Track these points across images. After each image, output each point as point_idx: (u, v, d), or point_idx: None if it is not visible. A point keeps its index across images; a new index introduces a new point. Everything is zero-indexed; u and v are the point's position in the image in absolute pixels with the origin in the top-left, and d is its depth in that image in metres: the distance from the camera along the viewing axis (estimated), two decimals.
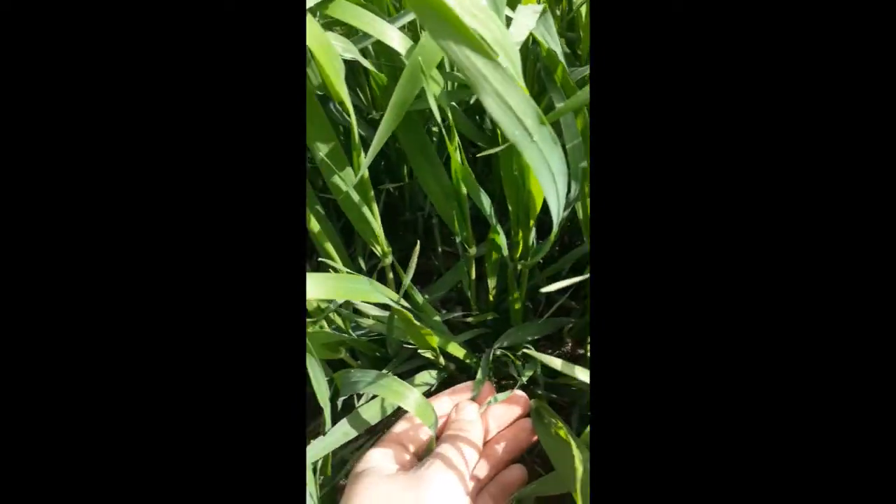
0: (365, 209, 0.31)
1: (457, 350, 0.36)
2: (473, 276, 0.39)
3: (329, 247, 0.34)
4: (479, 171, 0.45)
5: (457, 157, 0.29)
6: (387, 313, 0.35)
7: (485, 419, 0.33)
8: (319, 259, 0.34)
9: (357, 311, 0.36)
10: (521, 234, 0.34)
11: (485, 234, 0.36)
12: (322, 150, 0.29)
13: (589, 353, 0.41)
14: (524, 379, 0.34)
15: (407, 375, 0.37)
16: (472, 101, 0.37)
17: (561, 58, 0.29)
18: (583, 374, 0.27)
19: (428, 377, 0.37)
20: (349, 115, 0.28)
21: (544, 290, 0.26)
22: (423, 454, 0.32)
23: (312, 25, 0.24)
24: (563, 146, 0.29)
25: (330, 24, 0.30)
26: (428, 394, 0.34)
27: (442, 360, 0.37)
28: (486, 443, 0.33)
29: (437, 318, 0.37)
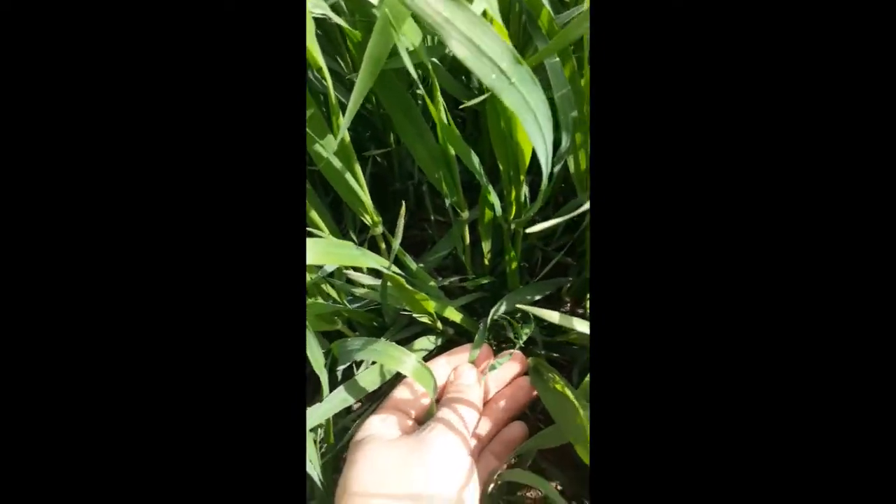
0: (349, 176, 0.31)
1: (454, 314, 0.35)
2: (468, 241, 0.38)
3: (315, 216, 0.33)
4: (469, 135, 0.44)
5: (440, 114, 0.28)
6: (380, 282, 0.34)
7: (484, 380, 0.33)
8: (308, 230, 0.33)
9: (350, 282, 0.35)
10: (513, 194, 0.33)
11: (477, 198, 0.35)
12: None
13: (588, 311, 0.41)
14: (521, 341, 0.34)
15: (406, 343, 0.36)
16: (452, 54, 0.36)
17: (545, 2, 0.27)
18: (581, 326, 0.27)
19: (426, 343, 0.36)
20: (324, 78, 0.27)
21: (530, 230, 0.25)
22: (423, 418, 0.32)
23: None
24: (552, 98, 0.28)
25: None
26: (426, 358, 0.34)
27: (440, 325, 0.37)
28: (485, 403, 0.33)
29: (433, 283, 0.37)
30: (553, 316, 0.27)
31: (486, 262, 0.40)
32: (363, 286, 0.35)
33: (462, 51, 0.19)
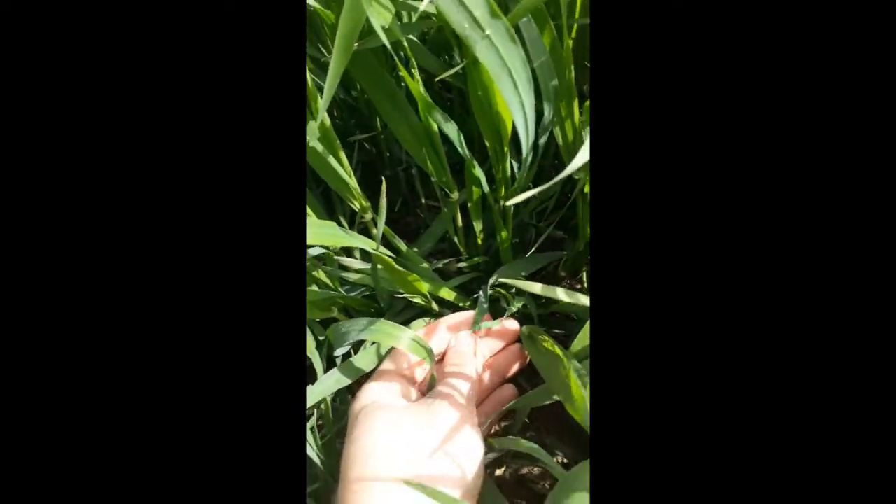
0: (332, 160, 0.31)
1: (448, 294, 0.35)
2: (460, 222, 0.38)
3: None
4: (458, 117, 0.44)
5: (418, 89, 0.28)
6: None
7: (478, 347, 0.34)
8: None
9: (343, 268, 0.35)
10: (500, 171, 0.33)
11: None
12: None
13: (586, 284, 0.40)
14: (513, 308, 0.34)
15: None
16: (432, 32, 0.36)
17: None
18: (565, 296, 0.27)
19: (423, 325, 0.36)
20: None
21: (510, 202, 0.24)
22: (424, 385, 0.33)
23: None
24: (533, 69, 0.28)
25: None
26: None
27: (435, 306, 0.37)
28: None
29: (426, 265, 0.37)
30: (535, 287, 0.27)
31: (479, 241, 0.39)
32: (356, 272, 0.35)
33: None
